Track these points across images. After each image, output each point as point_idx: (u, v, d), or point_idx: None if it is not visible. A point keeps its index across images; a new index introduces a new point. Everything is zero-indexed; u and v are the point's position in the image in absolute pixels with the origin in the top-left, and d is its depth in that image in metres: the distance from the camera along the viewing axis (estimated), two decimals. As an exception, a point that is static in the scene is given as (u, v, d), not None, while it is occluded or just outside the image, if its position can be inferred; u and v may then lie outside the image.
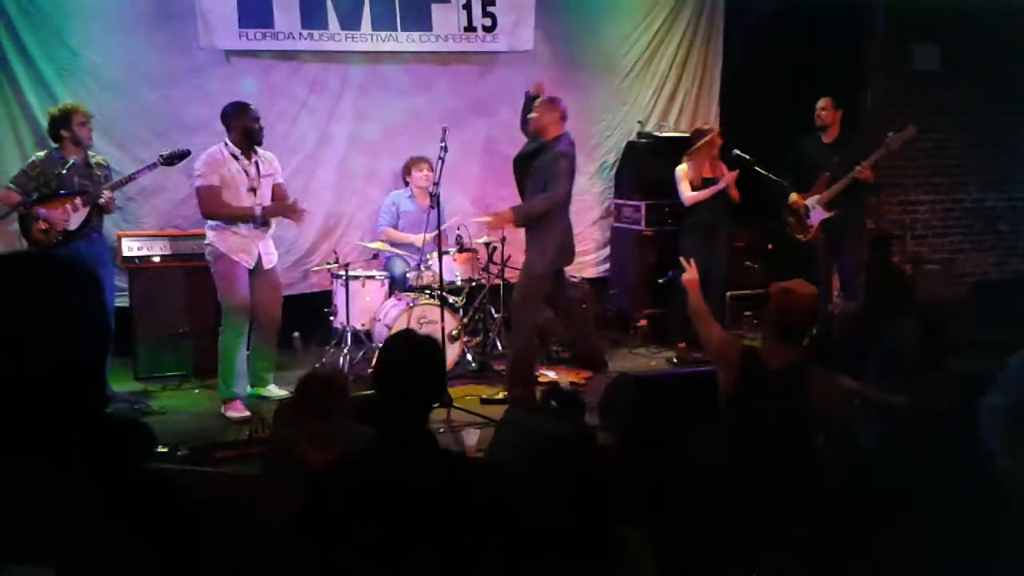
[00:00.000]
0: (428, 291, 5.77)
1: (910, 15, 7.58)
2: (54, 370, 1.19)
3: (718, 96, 7.54)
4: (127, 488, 1.21)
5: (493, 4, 6.65)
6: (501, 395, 5.31)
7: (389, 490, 2.04)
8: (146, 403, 5.31)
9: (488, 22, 6.67)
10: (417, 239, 5.95)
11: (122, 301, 5.74)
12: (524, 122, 5.69)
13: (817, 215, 6.17)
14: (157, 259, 5.84)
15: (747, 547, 3.08)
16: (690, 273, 3.81)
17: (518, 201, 5.59)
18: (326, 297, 6.16)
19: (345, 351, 5.86)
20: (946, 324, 4.22)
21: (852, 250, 6.26)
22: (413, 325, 5.49)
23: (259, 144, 5.23)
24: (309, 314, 6.34)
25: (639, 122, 7.26)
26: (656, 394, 4.46)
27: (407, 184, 6.44)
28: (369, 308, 5.86)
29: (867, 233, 7.01)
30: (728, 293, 6.69)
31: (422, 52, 6.60)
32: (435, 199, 5.39)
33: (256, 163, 5.19)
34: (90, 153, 5.23)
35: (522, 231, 5.65)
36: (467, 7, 6.59)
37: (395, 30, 6.44)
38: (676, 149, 6.60)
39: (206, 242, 5.17)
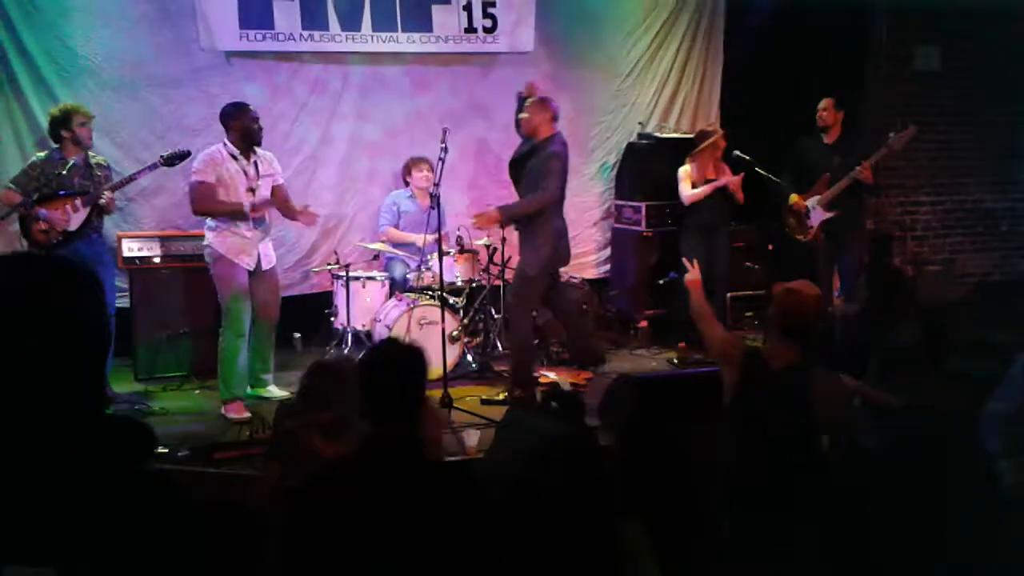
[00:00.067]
0: (428, 292, 5.77)
1: (911, 16, 7.59)
2: (54, 371, 1.19)
3: (719, 97, 7.53)
4: (127, 489, 1.21)
5: (493, 5, 6.65)
6: (501, 396, 5.31)
7: (372, 495, 2.05)
8: (146, 404, 5.30)
9: (488, 23, 6.67)
10: (419, 239, 5.95)
11: (122, 301, 5.74)
12: (518, 123, 5.69)
13: (817, 216, 6.16)
14: (157, 260, 5.83)
15: (748, 547, 3.08)
16: (693, 274, 3.79)
17: (517, 202, 5.59)
18: (327, 298, 6.17)
19: (345, 352, 5.86)
20: (946, 325, 4.23)
21: (853, 251, 6.25)
22: (414, 326, 5.50)
23: (258, 144, 5.21)
24: (310, 315, 6.34)
25: (640, 123, 7.25)
26: (657, 395, 4.45)
27: (407, 184, 6.44)
28: (370, 309, 5.87)
29: (868, 234, 7.01)
30: (728, 294, 6.69)
31: (423, 53, 6.60)
32: (435, 200, 5.40)
33: (255, 163, 5.17)
34: (90, 154, 5.23)
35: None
36: (467, 8, 6.59)
37: (396, 31, 6.44)
38: (677, 150, 6.60)
39: (205, 243, 5.14)
